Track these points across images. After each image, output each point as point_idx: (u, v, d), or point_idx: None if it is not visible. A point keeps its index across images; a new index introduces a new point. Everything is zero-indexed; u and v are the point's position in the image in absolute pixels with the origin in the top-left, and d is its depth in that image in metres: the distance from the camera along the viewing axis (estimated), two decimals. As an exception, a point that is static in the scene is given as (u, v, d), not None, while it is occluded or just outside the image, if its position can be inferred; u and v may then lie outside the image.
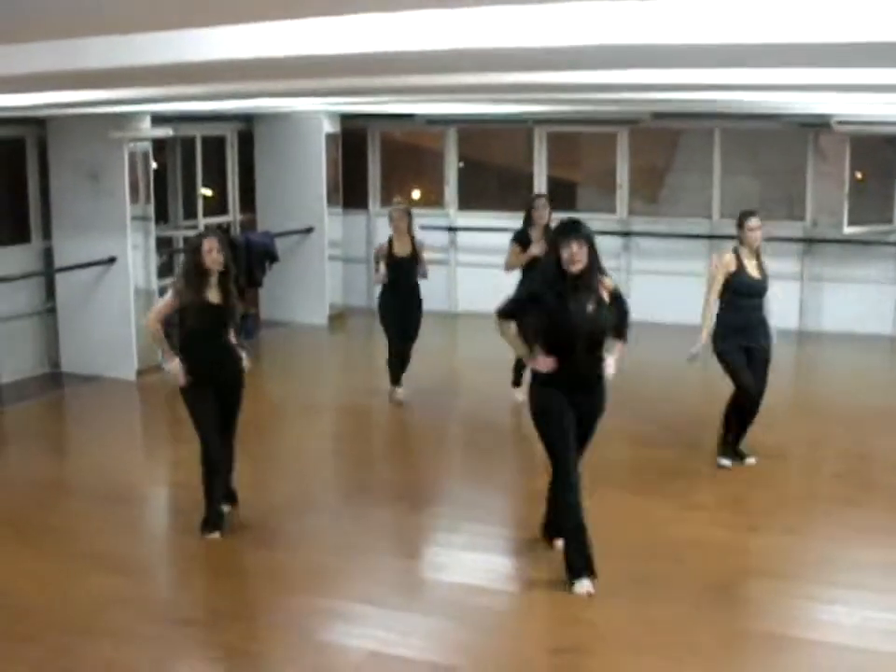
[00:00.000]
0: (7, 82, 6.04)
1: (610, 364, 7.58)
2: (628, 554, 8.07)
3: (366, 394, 12.77)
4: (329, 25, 4.22)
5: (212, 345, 8.50)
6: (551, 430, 7.46)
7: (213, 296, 8.44)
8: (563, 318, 7.27)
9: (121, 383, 13.14)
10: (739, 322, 9.72)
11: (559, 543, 7.90)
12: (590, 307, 7.28)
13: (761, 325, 9.80)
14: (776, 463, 10.03)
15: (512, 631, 7.28)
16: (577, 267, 7.17)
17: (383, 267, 12.22)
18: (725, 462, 9.93)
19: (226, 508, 8.84)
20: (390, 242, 12.28)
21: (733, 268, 9.73)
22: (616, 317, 7.58)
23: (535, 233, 11.82)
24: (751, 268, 9.76)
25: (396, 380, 12.38)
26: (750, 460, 9.98)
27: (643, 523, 8.75)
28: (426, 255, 12.38)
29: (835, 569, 7.92)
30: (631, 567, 7.83)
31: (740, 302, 9.75)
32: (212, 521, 8.55)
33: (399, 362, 12.39)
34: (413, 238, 12.28)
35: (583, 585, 7.40)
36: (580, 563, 7.45)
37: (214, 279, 8.41)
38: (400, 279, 12.24)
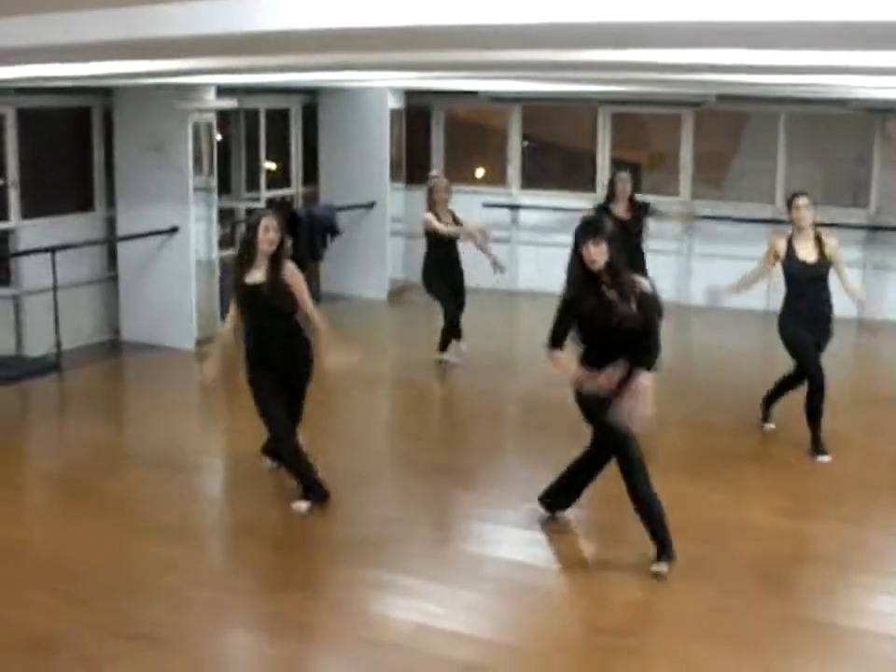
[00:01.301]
0: (73, 51, 6.06)
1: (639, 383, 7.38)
2: (680, 538, 8.01)
3: (424, 369, 12.75)
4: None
5: (265, 327, 8.37)
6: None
7: (256, 275, 8.31)
8: (598, 316, 7.34)
9: (180, 352, 13.21)
10: (799, 309, 9.60)
11: (564, 514, 8.24)
12: (620, 303, 7.32)
13: (822, 316, 9.64)
14: (834, 451, 9.91)
15: (558, 609, 7.29)
16: (595, 266, 7.26)
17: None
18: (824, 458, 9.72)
19: (271, 463, 8.96)
20: (436, 216, 12.32)
21: (781, 253, 9.64)
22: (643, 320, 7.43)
23: (618, 208, 11.78)
24: (805, 252, 9.57)
25: (444, 346, 12.64)
26: (770, 426, 10.23)
27: (697, 507, 8.69)
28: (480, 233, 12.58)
29: (893, 559, 7.86)
30: (683, 552, 7.77)
31: (797, 289, 9.64)
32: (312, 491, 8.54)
33: (455, 331, 12.58)
34: (452, 212, 12.41)
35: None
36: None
37: (264, 258, 8.35)
38: (447, 251, 12.39)
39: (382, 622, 6.96)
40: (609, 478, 7.83)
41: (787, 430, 10.22)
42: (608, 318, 7.30)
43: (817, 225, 9.74)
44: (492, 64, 8.70)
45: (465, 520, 8.74)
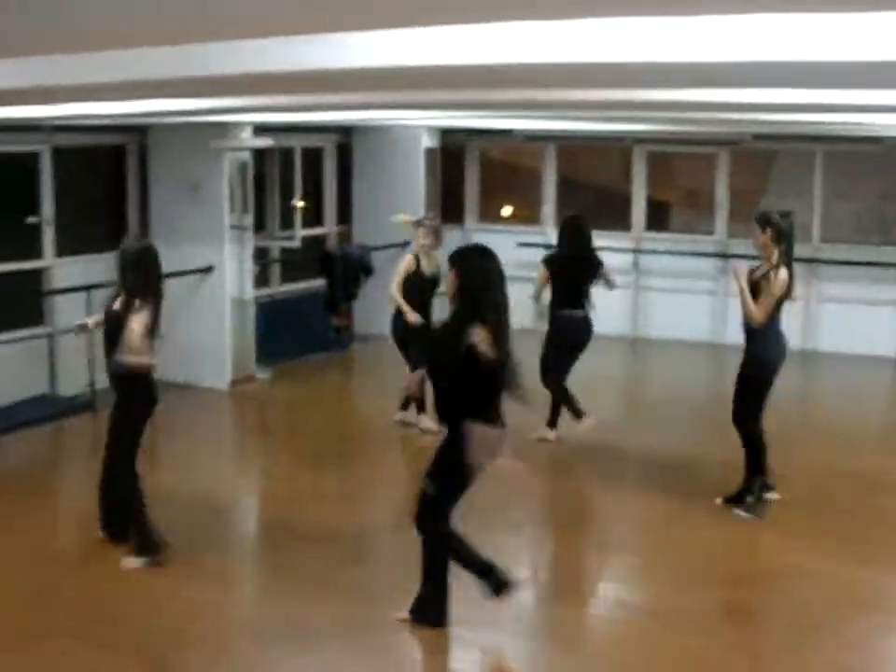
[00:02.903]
0: (117, 89, 6.05)
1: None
2: (726, 584, 7.93)
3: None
4: (438, 36, 4.17)
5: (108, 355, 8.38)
6: None
7: (118, 303, 8.31)
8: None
9: (215, 392, 13.16)
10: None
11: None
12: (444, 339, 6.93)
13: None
14: (876, 493, 9.73)
15: (591, 657, 7.17)
16: (448, 292, 6.87)
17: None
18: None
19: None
20: (417, 259, 11.53)
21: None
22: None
23: None
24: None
25: (419, 407, 11.47)
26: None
27: (740, 551, 8.57)
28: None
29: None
30: (729, 598, 7.67)
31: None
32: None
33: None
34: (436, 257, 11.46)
35: None
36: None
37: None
38: (426, 301, 11.60)
39: None
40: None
41: (839, 471, 10.08)
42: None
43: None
44: (532, 104, 8.67)
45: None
